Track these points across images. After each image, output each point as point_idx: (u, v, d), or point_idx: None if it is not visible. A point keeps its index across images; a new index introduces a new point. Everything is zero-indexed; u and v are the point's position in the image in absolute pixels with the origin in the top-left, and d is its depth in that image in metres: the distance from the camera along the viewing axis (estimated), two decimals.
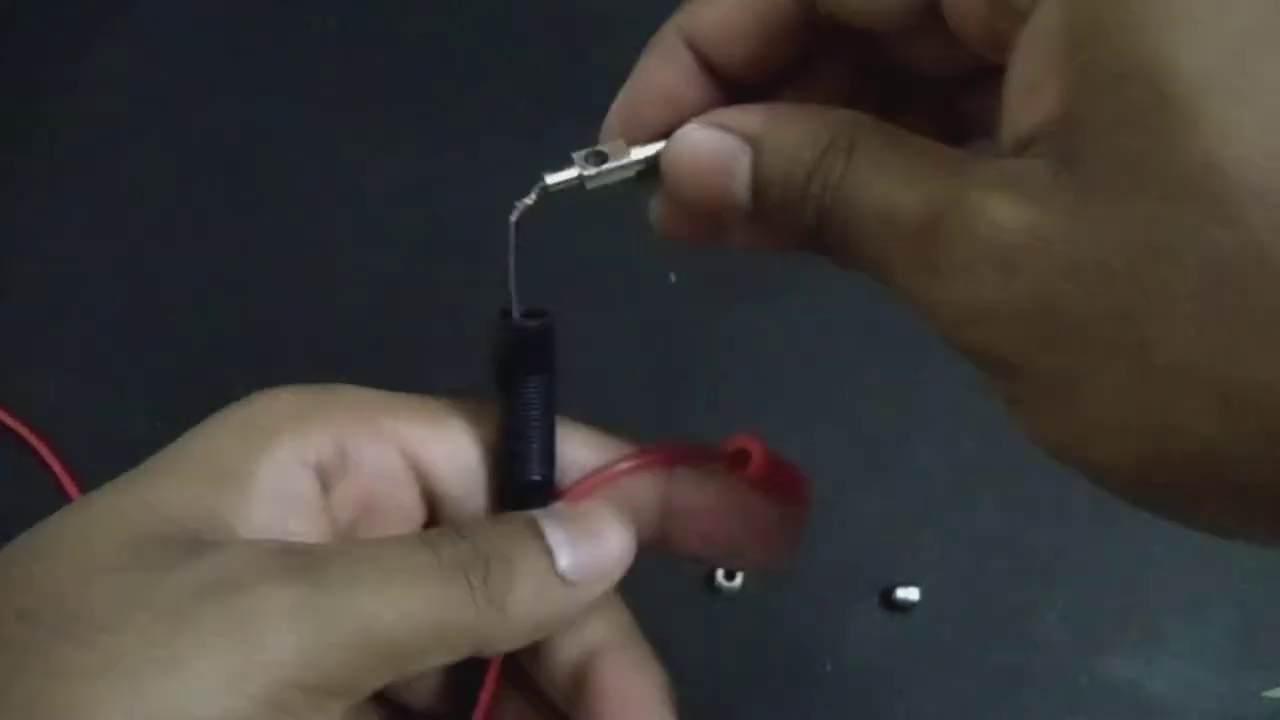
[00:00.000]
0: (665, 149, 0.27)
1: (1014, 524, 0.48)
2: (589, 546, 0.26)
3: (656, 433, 0.29)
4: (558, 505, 0.27)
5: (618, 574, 0.27)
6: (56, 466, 0.49)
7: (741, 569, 0.30)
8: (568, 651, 0.28)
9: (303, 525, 0.25)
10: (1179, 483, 0.19)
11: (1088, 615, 0.47)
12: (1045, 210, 0.20)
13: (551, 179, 0.28)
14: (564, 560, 0.25)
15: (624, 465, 0.28)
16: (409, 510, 0.28)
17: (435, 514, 0.28)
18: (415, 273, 0.54)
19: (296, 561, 0.22)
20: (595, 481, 0.28)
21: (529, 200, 0.28)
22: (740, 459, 0.28)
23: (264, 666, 0.21)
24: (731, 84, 0.27)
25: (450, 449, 0.27)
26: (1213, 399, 0.18)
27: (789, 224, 0.24)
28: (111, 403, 0.50)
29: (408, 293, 0.53)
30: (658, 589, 0.47)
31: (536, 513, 0.26)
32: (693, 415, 0.49)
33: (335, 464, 0.26)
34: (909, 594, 0.47)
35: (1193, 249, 0.18)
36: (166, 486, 0.24)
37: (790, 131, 0.25)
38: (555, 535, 0.25)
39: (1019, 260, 0.20)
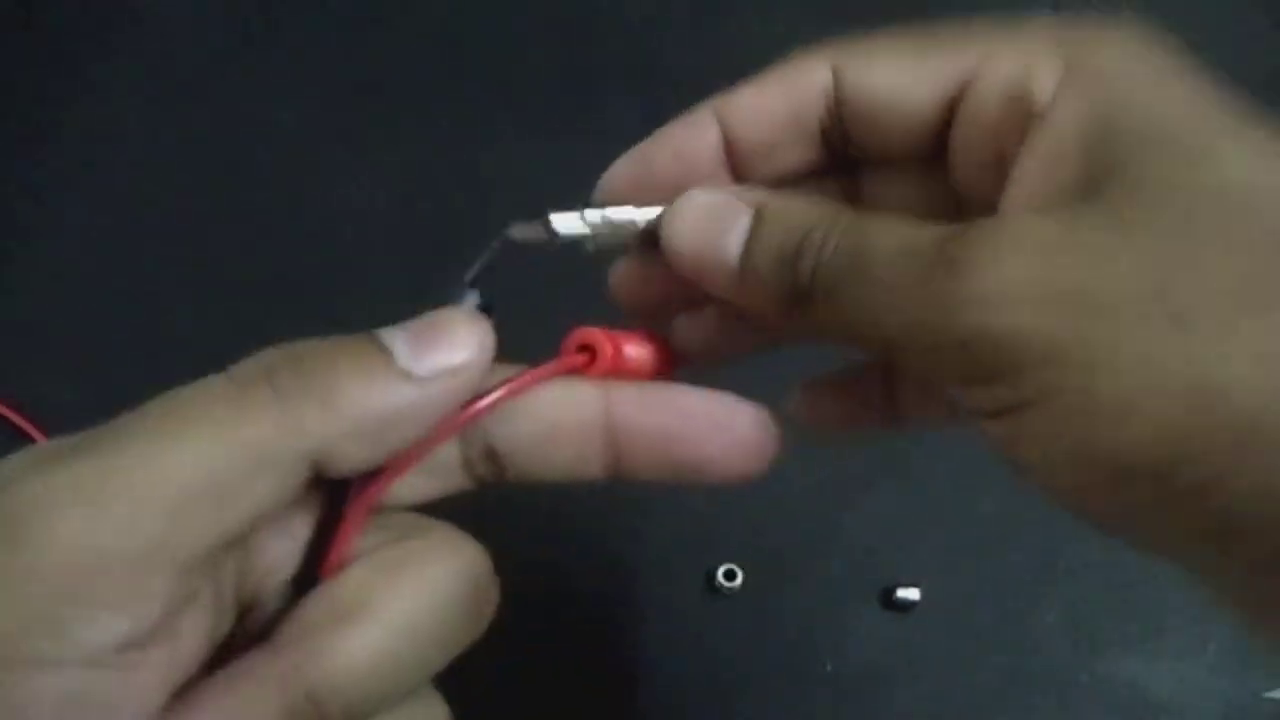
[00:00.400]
0: (671, 204, 0.27)
1: (1014, 524, 0.48)
2: (433, 341, 0.24)
3: None
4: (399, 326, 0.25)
5: (472, 370, 0.25)
6: None
7: (711, 480, 0.27)
8: None
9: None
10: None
11: (1088, 615, 0.47)
12: (1074, 219, 0.21)
13: (559, 223, 0.29)
14: (402, 355, 0.24)
15: (482, 403, 0.25)
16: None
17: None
18: (416, 273, 0.54)
19: (59, 451, 0.21)
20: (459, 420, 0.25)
21: (528, 232, 0.29)
22: (587, 354, 0.27)
23: (49, 560, 0.20)
24: (740, 176, 0.28)
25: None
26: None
27: (773, 287, 0.25)
28: (111, 403, 0.50)
29: (408, 292, 0.53)
30: (657, 589, 0.48)
31: (377, 331, 0.25)
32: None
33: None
34: (909, 594, 0.47)
35: (1198, 268, 0.20)
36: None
37: (793, 203, 0.26)
38: (393, 339, 0.24)
39: (1052, 244, 0.21)
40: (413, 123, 0.57)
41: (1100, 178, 0.22)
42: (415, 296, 0.58)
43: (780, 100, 0.28)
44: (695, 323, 0.30)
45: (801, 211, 0.25)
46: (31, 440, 0.49)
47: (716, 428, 0.26)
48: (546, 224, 0.28)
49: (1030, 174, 0.24)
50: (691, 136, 0.28)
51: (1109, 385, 0.20)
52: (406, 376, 0.24)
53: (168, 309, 0.53)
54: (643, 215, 0.28)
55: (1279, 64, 0.58)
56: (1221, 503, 0.20)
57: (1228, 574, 0.22)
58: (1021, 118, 0.24)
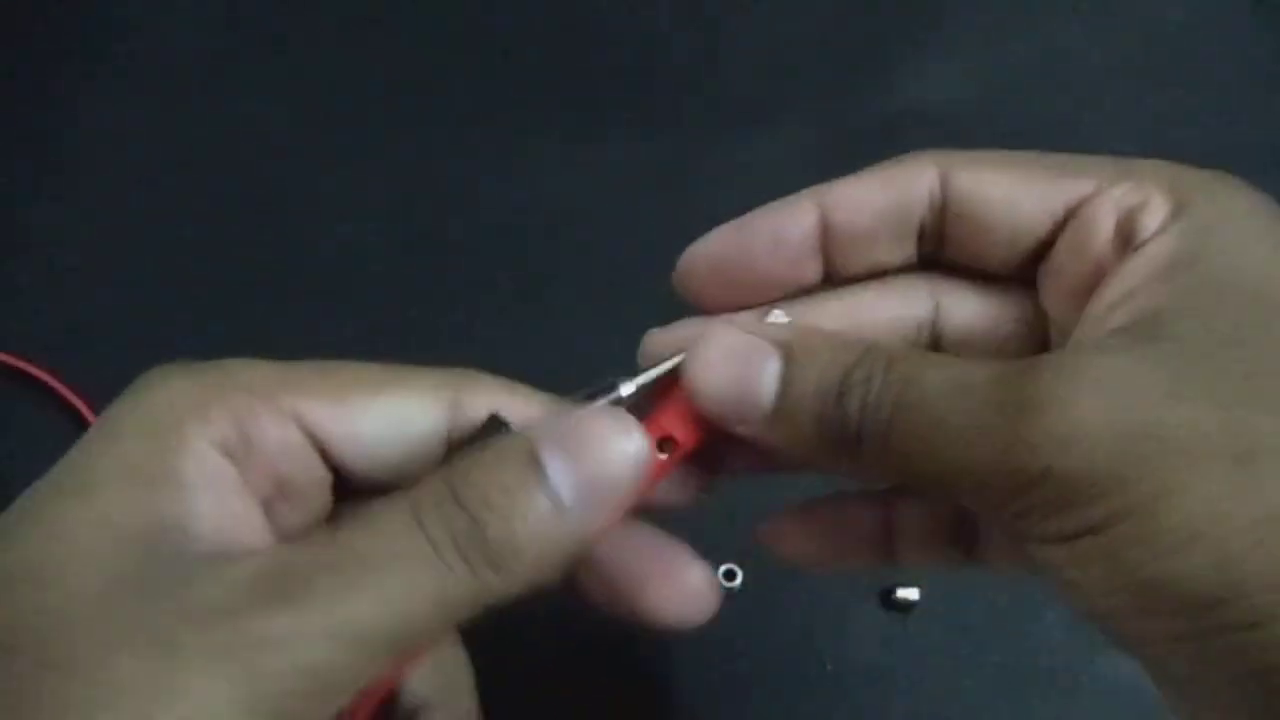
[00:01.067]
0: (694, 345, 0.27)
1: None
2: (594, 473, 0.24)
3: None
4: (554, 424, 0.25)
5: (629, 492, 0.25)
6: None
7: (652, 626, 0.29)
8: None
9: (240, 511, 0.25)
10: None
11: None
12: (1146, 356, 0.22)
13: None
14: (568, 494, 0.24)
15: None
16: (318, 483, 0.27)
17: (343, 482, 0.28)
18: (416, 272, 0.54)
19: (279, 584, 0.22)
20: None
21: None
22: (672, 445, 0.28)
23: (265, 692, 0.21)
24: (833, 267, 0.29)
25: (350, 426, 0.27)
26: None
27: (814, 430, 0.25)
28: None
29: (408, 292, 0.53)
30: None
31: (535, 435, 0.25)
32: None
33: (240, 446, 0.26)
34: (909, 594, 0.47)
35: (1265, 410, 0.21)
36: (109, 498, 0.23)
37: (821, 341, 0.26)
38: (555, 468, 0.24)
39: (1124, 383, 0.22)
40: (412, 123, 0.57)
41: (1179, 313, 0.23)
42: (416, 296, 0.58)
43: (883, 195, 0.28)
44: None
45: (833, 349, 0.26)
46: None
47: (664, 576, 0.29)
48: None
49: (1114, 298, 0.24)
50: (790, 219, 0.28)
51: (1174, 515, 0.21)
52: (572, 515, 0.24)
53: (166, 311, 0.53)
54: (625, 390, 0.28)
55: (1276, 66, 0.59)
56: (1268, 640, 0.20)
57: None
58: (1124, 248, 0.25)
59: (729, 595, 0.47)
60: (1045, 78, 0.58)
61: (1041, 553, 0.23)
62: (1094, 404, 0.22)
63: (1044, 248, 0.27)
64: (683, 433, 0.27)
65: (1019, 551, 0.29)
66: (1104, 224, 0.26)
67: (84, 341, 0.52)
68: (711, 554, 0.48)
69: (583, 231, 0.54)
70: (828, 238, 0.28)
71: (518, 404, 0.28)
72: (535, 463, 0.24)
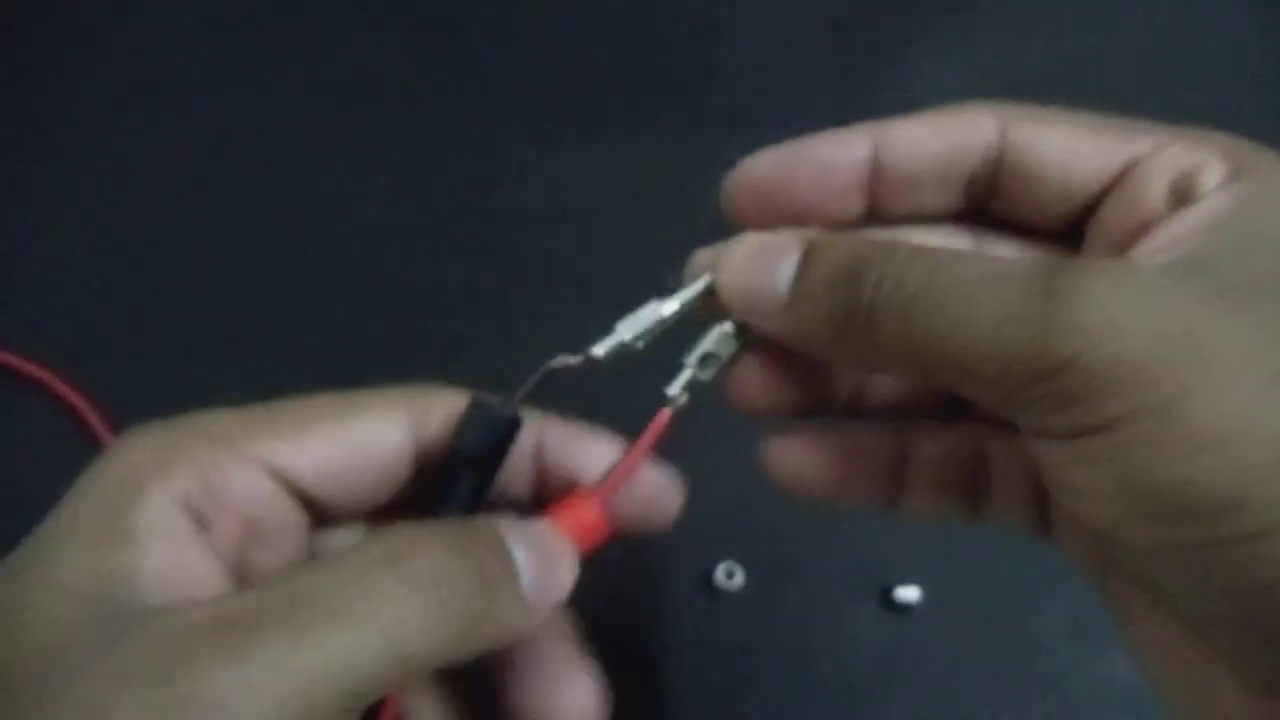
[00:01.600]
0: (725, 247, 0.28)
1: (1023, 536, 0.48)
2: (555, 578, 0.26)
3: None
4: (520, 523, 0.26)
5: (562, 601, 0.27)
6: None
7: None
8: None
9: (194, 563, 0.25)
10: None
11: (1088, 615, 0.47)
12: (1192, 279, 0.22)
13: (599, 349, 0.28)
14: (530, 590, 0.25)
15: (629, 461, 0.29)
16: (291, 522, 0.27)
17: (316, 516, 0.28)
18: (416, 272, 0.54)
19: (219, 636, 0.21)
20: (619, 478, 0.29)
21: (570, 361, 0.29)
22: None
23: None
24: (877, 205, 0.29)
25: (315, 457, 0.27)
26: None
27: (825, 311, 0.25)
28: (110, 404, 0.50)
29: (409, 291, 0.53)
30: (658, 589, 0.48)
31: (502, 528, 0.26)
32: (697, 410, 0.49)
33: (206, 499, 0.25)
34: (909, 594, 0.47)
35: None
36: (56, 562, 0.23)
37: (847, 235, 0.27)
38: (520, 554, 0.25)
39: (1166, 293, 0.22)
40: (412, 123, 0.57)
41: (1224, 259, 0.23)
42: (415, 295, 0.58)
43: (940, 139, 0.28)
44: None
45: (856, 240, 0.26)
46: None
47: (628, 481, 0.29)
48: (587, 356, 0.28)
49: (1159, 245, 0.24)
50: (842, 151, 0.28)
51: (1196, 418, 0.21)
52: (529, 608, 0.25)
53: (166, 310, 0.53)
54: (668, 308, 0.28)
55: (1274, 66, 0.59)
56: (1274, 553, 0.20)
57: (1242, 641, 0.22)
58: (1176, 206, 0.25)
59: (729, 595, 0.47)
60: (1045, 78, 0.58)
61: (1049, 452, 0.23)
62: (1133, 301, 0.22)
63: (1093, 206, 0.27)
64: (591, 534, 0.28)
65: (1028, 507, 0.29)
66: (1158, 181, 0.26)
67: (84, 341, 0.52)
68: (711, 554, 0.48)
69: (582, 231, 0.54)
70: (877, 176, 0.28)
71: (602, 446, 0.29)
72: (503, 548, 0.25)
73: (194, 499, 0.25)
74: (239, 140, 0.57)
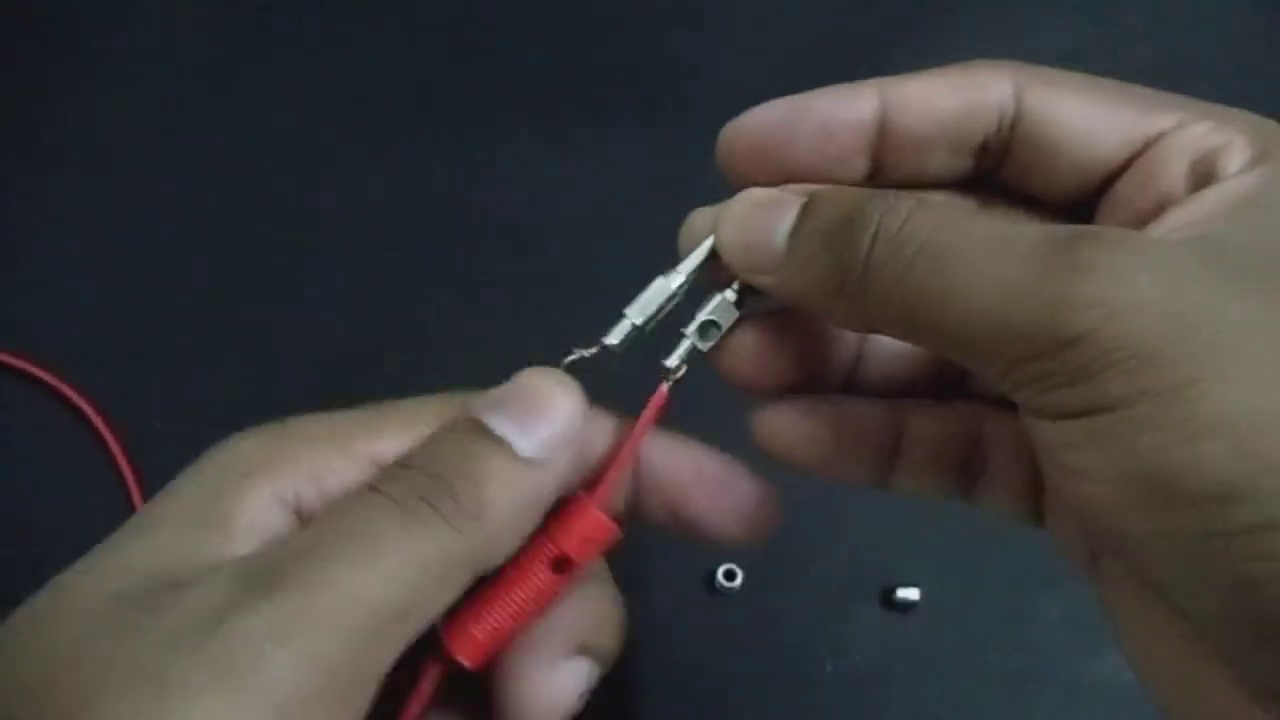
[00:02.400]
0: (725, 205, 0.27)
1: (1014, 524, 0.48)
2: (539, 422, 0.25)
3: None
4: (493, 393, 0.26)
5: (575, 436, 0.26)
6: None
7: (711, 542, 0.29)
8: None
9: None
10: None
11: (1088, 615, 0.47)
12: (1215, 256, 0.21)
13: (612, 338, 0.28)
14: (522, 444, 0.25)
15: (631, 439, 0.28)
16: None
17: None
18: (418, 271, 0.54)
19: (259, 579, 0.22)
20: (621, 463, 0.28)
21: (583, 352, 0.28)
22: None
23: (266, 693, 0.20)
24: (881, 167, 0.27)
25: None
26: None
27: (820, 265, 0.24)
28: (110, 405, 0.50)
29: (408, 292, 0.53)
30: (658, 589, 0.48)
31: (474, 408, 0.26)
32: (697, 412, 0.49)
33: (314, 498, 0.26)
34: (909, 594, 0.47)
35: None
36: (145, 544, 0.24)
37: (848, 189, 0.25)
38: (503, 425, 0.25)
39: (1187, 270, 0.21)
40: (411, 123, 0.57)
41: (1242, 242, 0.22)
42: (414, 295, 0.58)
43: (952, 100, 0.26)
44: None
45: (855, 193, 0.25)
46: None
47: (723, 490, 0.28)
48: (602, 346, 0.28)
49: (1176, 224, 0.24)
50: (847, 106, 0.27)
51: (1204, 402, 0.20)
52: (530, 464, 0.25)
53: (166, 310, 0.53)
54: (675, 280, 0.28)
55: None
56: (1271, 549, 0.19)
57: (1233, 640, 0.21)
58: (1196, 186, 0.24)
59: (729, 595, 0.47)
60: None
61: (1047, 430, 0.22)
62: (1149, 277, 0.20)
63: (1109, 180, 0.26)
64: (579, 552, 0.27)
65: (1022, 493, 0.28)
66: (1179, 159, 0.25)
67: (84, 341, 0.52)
68: (711, 554, 0.48)
69: (581, 232, 0.54)
70: (883, 136, 0.27)
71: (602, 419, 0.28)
72: (482, 427, 0.25)
73: (302, 495, 0.25)
74: (238, 141, 0.57)
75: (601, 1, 0.60)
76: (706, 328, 0.28)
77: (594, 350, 0.28)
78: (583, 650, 0.28)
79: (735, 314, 0.28)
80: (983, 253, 0.22)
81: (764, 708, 0.46)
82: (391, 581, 0.22)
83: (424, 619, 0.23)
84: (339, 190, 0.56)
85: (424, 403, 0.28)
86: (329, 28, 0.60)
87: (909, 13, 0.60)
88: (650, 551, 0.48)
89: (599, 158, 0.56)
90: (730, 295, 0.28)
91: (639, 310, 0.28)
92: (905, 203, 0.23)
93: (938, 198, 0.28)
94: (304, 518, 0.25)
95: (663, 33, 0.60)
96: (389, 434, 0.27)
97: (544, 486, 0.25)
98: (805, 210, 0.25)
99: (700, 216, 0.28)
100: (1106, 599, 0.26)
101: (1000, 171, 0.27)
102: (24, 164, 0.56)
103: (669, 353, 0.28)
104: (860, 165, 0.27)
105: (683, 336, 0.28)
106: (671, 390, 0.28)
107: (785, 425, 0.28)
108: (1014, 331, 0.21)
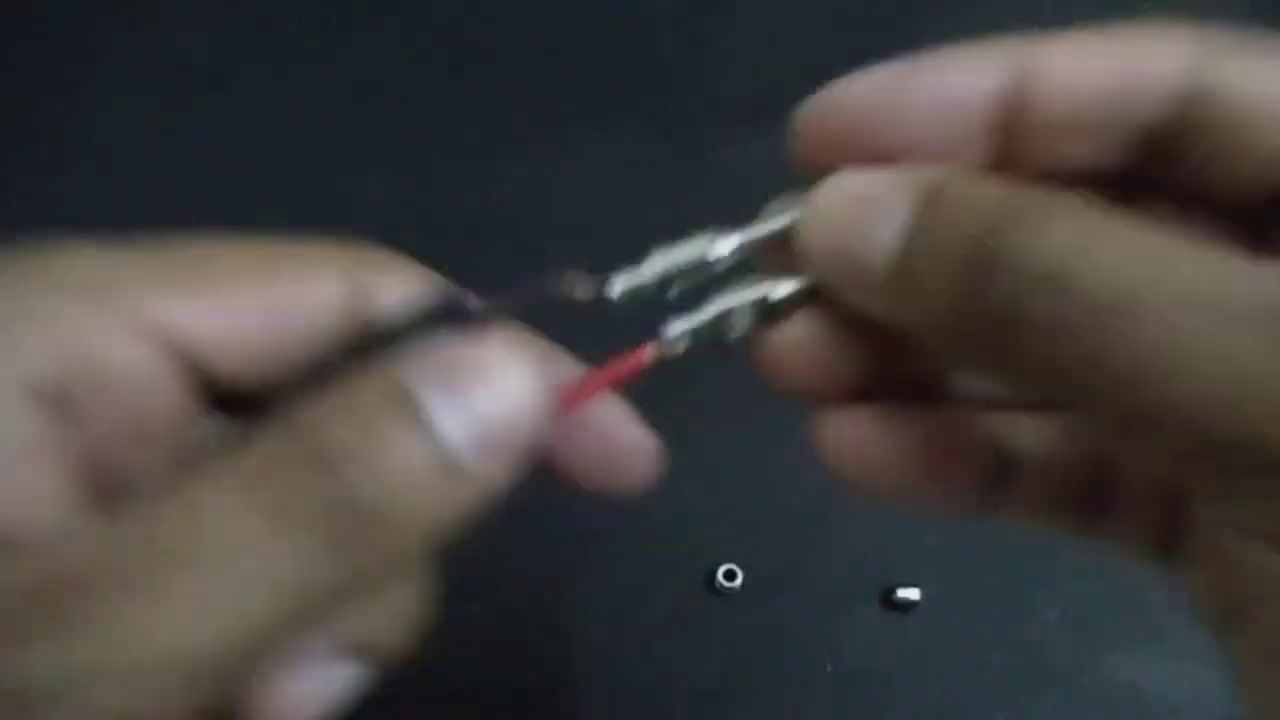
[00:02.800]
0: (820, 187, 0.21)
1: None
2: (483, 404, 0.18)
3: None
4: (439, 356, 0.19)
5: (530, 434, 0.19)
6: None
7: (578, 488, 0.23)
8: None
9: (35, 477, 0.18)
10: None
11: (1088, 615, 0.47)
12: None
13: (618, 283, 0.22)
14: (455, 437, 0.18)
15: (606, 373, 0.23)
16: (177, 408, 0.20)
17: (206, 399, 0.20)
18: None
19: (41, 602, 0.15)
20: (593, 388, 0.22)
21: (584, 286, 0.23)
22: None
23: None
24: (1007, 154, 0.21)
25: (229, 329, 0.20)
26: None
27: (941, 298, 0.18)
28: None
29: None
30: (658, 589, 0.48)
31: (403, 369, 0.18)
32: (698, 410, 0.49)
33: (69, 378, 0.18)
34: (909, 594, 0.47)
35: None
36: None
37: (988, 184, 0.19)
38: (437, 402, 0.18)
39: None
40: (411, 123, 0.57)
41: None
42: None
43: (1111, 72, 0.20)
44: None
45: (1004, 194, 0.18)
46: None
47: (602, 437, 0.23)
48: (599, 289, 0.23)
49: None
50: (972, 75, 0.20)
51: None
52: (458, 468, 0.18)
53: None
54: (722, 246, 0.22)
55: None
56: None
57: None
58: None
59: (729, 595, 0.47)
60: None
61: (1254, 554, 0.17)
62: None
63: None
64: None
65: (1157, 527, 0.22)
66: None
67: None
68: (711, 554, 0.48)
69: (581, 232, 0.54)
70: (1014, 115, 0.20)
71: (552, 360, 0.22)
72: (411, 401, 0.18)
73: (50, 378, 0.18)
74: (238, 140, 0.57)
75: (601, 1, 0.60)
76: (751, 312, 0.22)
77: (589, 287, 0.23)
78: (355, 651, 0.20)
79: (788, 304, 0.22)
80: (1198, 310, 0.15)
81: (764, 708, 0.46)
82: (235, 629, 0.16)
83: (272, 653, 0.17)
84: (339, 190, 0.56)
85: (237, 251, 0.21)
86: (329, 28, 0.60)
87: (910, 12, 0.60)
88: (650, 551, 0.48)
89: (599, 158, 0.56)
90: (794, 285, 0.21)
91: (656, 264, 0.22)
92: (1083, 213, 0.17)
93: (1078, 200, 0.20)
94: (53, 406, 0.18)
95: (663, 33, 0.60)
96: (180, 290, 0.20)
97: (477, 498, 0.18)
98: (927, 209, 0.19)
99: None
100: (1248, 661, 0.20)
101: (1166, 166, 0.20)
102: (24, 164, 0.56)
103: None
104: (980, 152, 0.21)
105: (702, 309, 0.22)
106: (656, 364, 0.22)
107: (858, 437, 0.22)
108: (1245, 431, 0.15)
